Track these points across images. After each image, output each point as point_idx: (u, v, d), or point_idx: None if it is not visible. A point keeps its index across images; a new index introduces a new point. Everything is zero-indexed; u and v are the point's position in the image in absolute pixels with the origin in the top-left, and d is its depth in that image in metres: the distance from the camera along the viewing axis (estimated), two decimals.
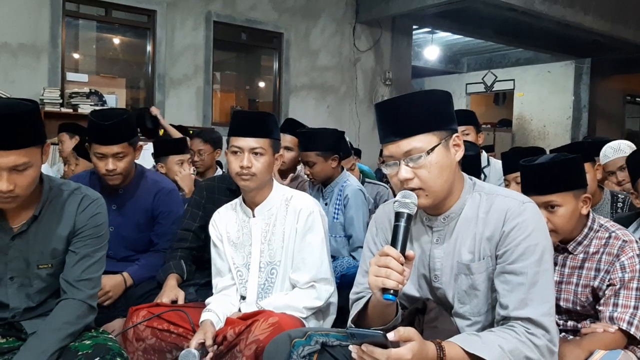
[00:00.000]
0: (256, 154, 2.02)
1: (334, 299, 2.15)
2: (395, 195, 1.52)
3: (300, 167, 3.45)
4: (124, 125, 2.38)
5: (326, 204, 3.13)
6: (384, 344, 1.25)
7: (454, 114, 1.54)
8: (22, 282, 1.74)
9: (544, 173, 1.85)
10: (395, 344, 1.26)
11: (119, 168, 2.38)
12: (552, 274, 1.48)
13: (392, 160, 1.48)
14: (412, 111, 1.46)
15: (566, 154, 1.92)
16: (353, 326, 1.50)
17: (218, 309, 2.03)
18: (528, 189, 1.87)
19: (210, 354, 1.86)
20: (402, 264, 1.33)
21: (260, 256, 2.11)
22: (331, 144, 3.12)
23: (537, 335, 1.39)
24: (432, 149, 1.44)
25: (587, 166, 2.35)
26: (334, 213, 3.09)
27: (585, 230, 1.87)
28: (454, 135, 1.50)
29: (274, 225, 2.10)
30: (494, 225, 1.48)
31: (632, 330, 1.69)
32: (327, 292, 2.08)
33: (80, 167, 3.38)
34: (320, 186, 3.25)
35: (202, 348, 1.87)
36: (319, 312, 2.10)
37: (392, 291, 1.31)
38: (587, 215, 1.89)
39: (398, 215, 1.39)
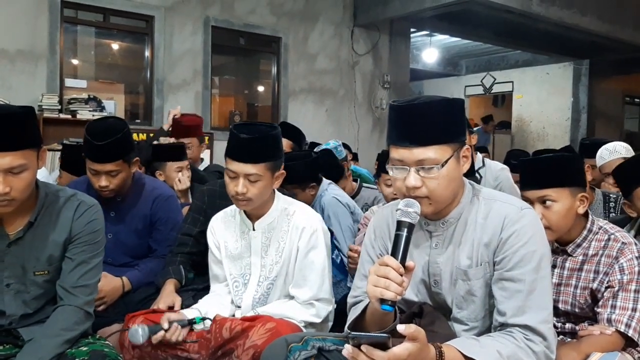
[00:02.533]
0: (252, 180, 1.95)
1: (332, 308, 2.13)
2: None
3: None
4: (119, 144, 2.32)
5: None
6: (385, 345, 1.23)
7: (465, 125, 1.53)
8: (19, 288, 1.74)
9: (542, 168, 1.86)
10: (397, 344, 1.24)
11: (112, 184, 2.35)
12: (550, 280, 1.48)
13: (400, 165, 1.45)
14: (430, 119, 1.42)
15: (563, 153, 1.93)
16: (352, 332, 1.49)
17: (203, 308, 2.05)
18: (525, 184, 1.88)
19: (162, 332, 1.90)
20: (401, 275, 1.30)
21: (260, 270, 2.09)
22: (305, 175, 3.03)
23: (535, 342, 1.38)
24: (446, 162, 1.42)
25: None
26: None
27: (584, 232, 1.86)
28: (464, 147, 1.49)
29: (274, 240, 2.08)
30: (492, 231, 1.48)
31: (630, 333, 1.68)
32: (326, 310, 2.06)
33: (64, 179, 3.29)
34: None
35: (155, 326, 1.90)
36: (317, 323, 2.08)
37: (390, 302, 1.29)
38: (586, 217, 1.88)
39: (400, 224, 1.37)
